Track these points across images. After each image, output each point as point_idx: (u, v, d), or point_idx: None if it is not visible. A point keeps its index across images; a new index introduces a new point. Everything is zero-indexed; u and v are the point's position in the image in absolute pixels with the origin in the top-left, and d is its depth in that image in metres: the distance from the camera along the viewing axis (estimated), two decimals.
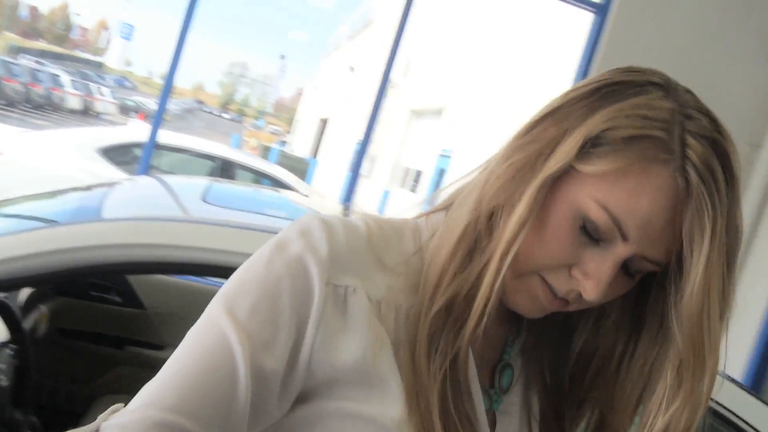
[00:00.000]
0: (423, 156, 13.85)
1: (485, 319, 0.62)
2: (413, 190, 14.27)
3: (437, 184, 12.17)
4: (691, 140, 0.58)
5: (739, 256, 0.59)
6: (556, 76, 7.06)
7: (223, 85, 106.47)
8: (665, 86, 0.62)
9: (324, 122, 24.46)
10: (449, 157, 11.79)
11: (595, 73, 0.65)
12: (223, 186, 2.69)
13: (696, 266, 0.57)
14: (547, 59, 8.18)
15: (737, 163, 0.59)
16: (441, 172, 12.32)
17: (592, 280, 0.61)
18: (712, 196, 0.57)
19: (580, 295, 0.62)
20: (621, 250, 0.60)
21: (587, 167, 0.60)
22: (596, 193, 0.59)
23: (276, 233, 0.64)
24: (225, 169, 5.75)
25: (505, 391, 0.71)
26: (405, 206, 0.87)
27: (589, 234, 0.61)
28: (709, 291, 0.58)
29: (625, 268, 0.62)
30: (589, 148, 0.60)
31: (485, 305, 0.61)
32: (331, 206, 3.72)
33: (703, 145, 0.58)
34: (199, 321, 0.61)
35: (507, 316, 0.70)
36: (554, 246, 0.61)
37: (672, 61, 3.82)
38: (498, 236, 0.62)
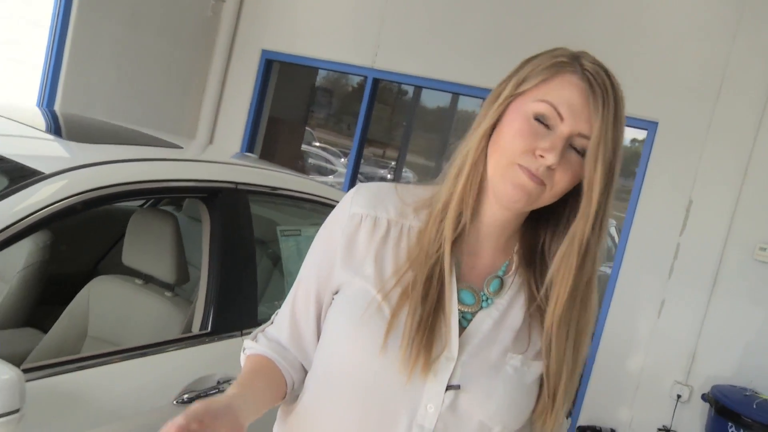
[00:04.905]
0: None
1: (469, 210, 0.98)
2: None
3: None
4: (585, 62, 0.94)
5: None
6: None
7: None
8: (571, 51, 0.97)
9: None
10: None
11: None
12: None
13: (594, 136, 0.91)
14: None
15: (615, 84, 0.94)
16: None
17: (551, 152, 0.91)
18: (604, 89, 0.92)
19: (547, 170, 0.92)
20: (562, 129, 0.92)
21: (525, 86, 0.95)
22: (537, 96, 0.94)
23: None
24: None
25: (493, 295, 1.00)
26: None
27: (540, 121, 0.93)
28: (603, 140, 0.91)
29: (572, 149, 0.93)
30: (521, 85, 0.95)
31: (465, 196, 0.98)
32: None
33: (594, 65, 0.94)
34: None
35: (503, 248, 1.03)
36: (519, 139, 0.93)
37: None
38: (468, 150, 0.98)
